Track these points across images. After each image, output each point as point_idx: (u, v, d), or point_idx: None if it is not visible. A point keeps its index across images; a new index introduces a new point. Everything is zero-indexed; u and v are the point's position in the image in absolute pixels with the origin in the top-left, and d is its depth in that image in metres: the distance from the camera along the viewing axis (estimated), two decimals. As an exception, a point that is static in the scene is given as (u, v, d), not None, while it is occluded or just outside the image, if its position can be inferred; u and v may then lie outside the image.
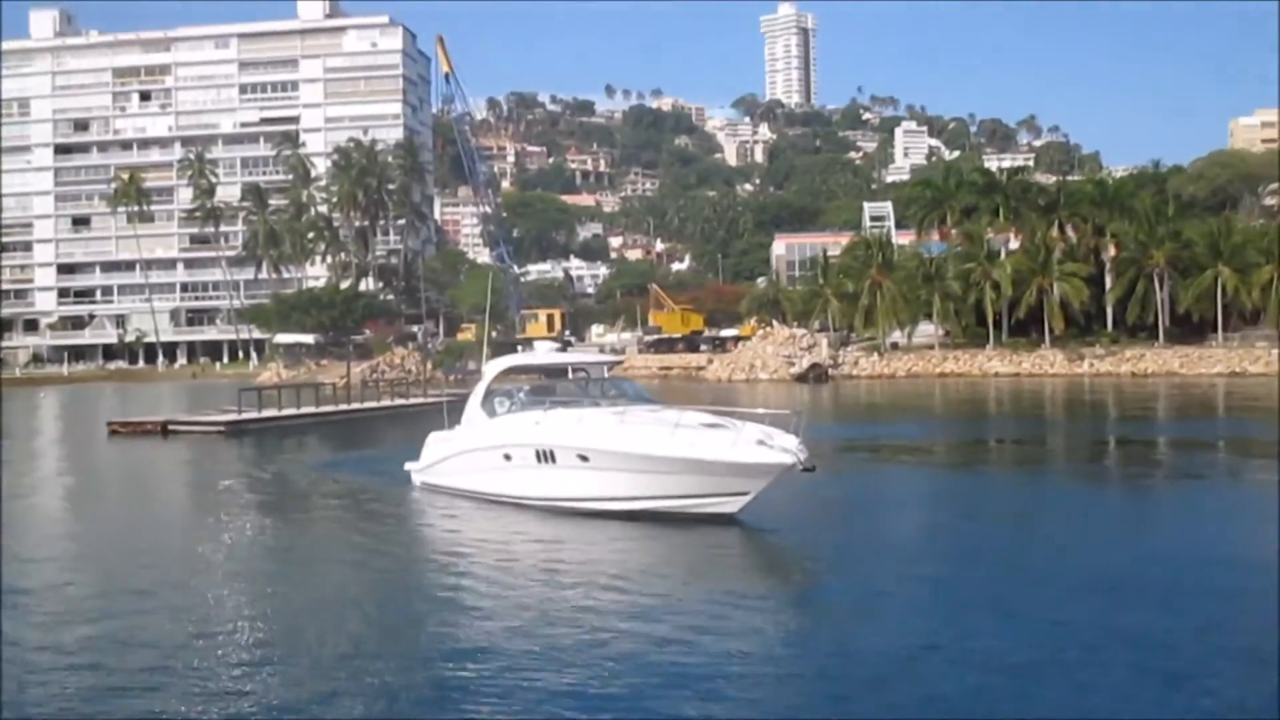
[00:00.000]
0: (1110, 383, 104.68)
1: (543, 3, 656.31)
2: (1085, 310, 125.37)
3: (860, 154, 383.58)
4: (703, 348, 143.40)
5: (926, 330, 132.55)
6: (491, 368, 36.86)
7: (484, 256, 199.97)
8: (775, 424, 28.24)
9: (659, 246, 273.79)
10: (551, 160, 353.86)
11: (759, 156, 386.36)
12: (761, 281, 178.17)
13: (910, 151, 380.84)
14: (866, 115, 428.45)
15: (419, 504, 34.28)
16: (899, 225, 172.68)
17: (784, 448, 26.58)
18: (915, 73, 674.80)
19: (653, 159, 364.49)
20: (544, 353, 37.59)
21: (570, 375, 36.35)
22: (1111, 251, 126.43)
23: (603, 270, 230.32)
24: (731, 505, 27.76)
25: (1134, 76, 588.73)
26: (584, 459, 29.50)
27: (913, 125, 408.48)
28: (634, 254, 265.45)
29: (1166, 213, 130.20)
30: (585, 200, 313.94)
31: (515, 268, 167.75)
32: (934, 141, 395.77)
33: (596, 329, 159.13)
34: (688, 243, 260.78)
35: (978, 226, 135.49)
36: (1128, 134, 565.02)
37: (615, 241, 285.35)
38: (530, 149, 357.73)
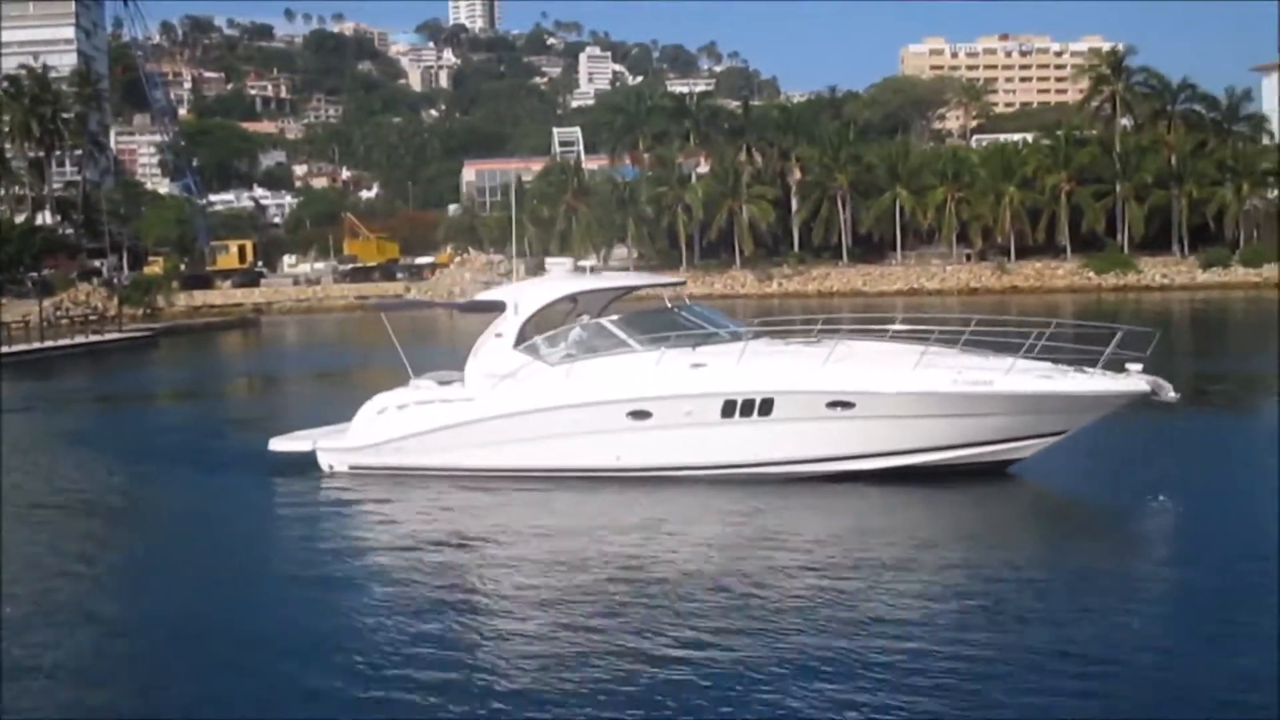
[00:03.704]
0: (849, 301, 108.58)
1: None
2: (773, 232, 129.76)
3: (545, 79, 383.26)
4: (399, 276, 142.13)
5: (621, 253, 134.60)
6: (529, 296, 26.93)
7: (164, 187, 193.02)
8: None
9: (345, 174, 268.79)
10: (230, 86, 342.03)
11: (444, 82, 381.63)
12: (454, 208, 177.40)
13: (595, 77, 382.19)
14: (551, 41, 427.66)
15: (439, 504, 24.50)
16: (589, 150, 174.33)
17: (1126, 374, 22.59)
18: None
19: (336, 85, 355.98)
20: (575, 275, 28.78)
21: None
22: (797, 175, 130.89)
23: (289, 199, 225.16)
24: (1027, 451, 23.87)
25: (809, 4, 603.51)
26: (843, 405, 23.19)
27: (597, 51, 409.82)
28: (320, 182, 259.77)
29: (847, 137, 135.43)
30: (267, 127, 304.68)
31: (200, 198, 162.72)
32: (618, 67, 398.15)
33: (289, 259, 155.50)
34: (375, 170, 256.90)
35: (669, 151, 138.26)
36: (803, 60, 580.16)
37: (300, 170, 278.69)
38: (208, 75, 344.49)
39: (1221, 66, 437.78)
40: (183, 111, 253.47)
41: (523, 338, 25.87)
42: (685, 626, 15.36)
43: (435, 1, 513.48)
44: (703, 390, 23.90)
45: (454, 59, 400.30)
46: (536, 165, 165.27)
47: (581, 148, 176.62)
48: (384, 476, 26.33)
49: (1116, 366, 22.85)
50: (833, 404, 23.25)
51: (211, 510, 25.64)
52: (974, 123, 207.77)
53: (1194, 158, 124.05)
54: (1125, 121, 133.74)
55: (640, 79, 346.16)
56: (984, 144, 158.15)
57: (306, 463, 27.74)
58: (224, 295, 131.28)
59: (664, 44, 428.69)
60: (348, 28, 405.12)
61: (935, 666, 13.64)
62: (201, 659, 15.20)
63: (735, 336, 25.61)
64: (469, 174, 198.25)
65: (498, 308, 26.95)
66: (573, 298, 27.49)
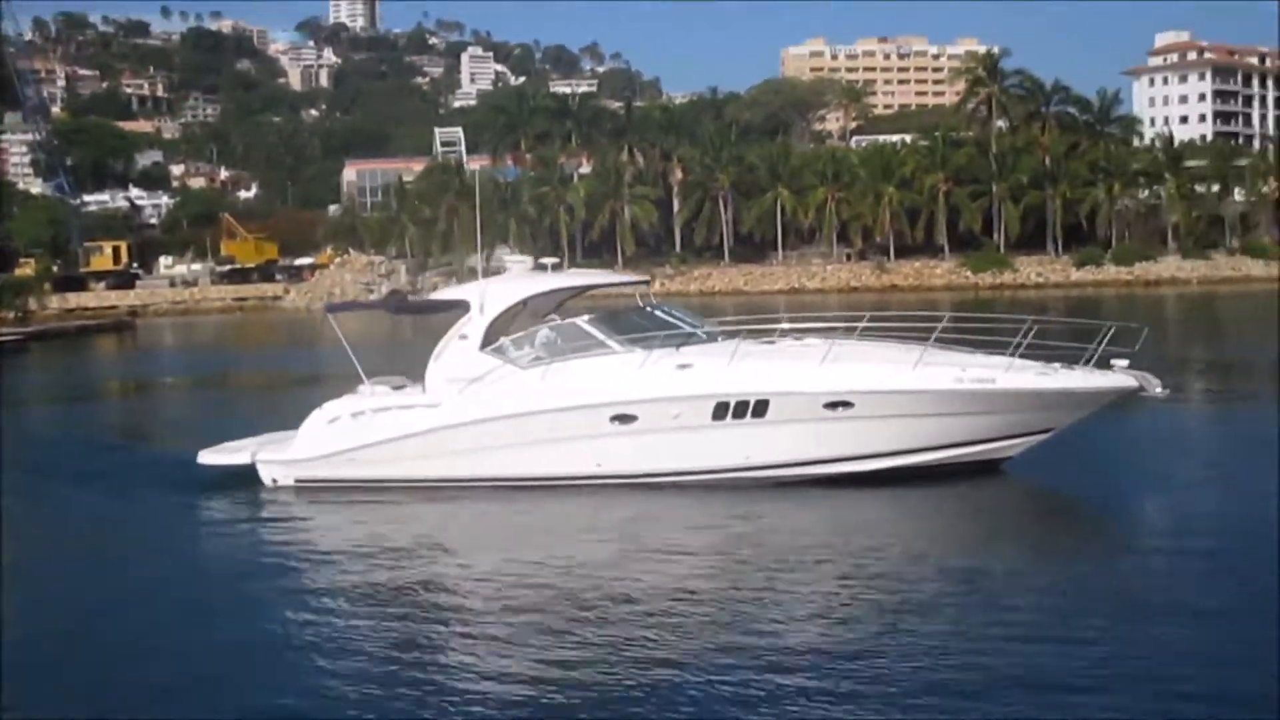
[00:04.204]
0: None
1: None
2: (655, 232, 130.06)
3: (427, 79, 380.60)
4: (278, 277, 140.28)
5: (504, 253, 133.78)
6: (495, 295, 24.81)
7: (36, 187, 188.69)
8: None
9: (223, 174, 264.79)
10: (105, 84, 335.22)
11: (324, 81, 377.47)
12: (335, 208, 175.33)
13: (477, 77, 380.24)
14: (432, 40, 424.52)
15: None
16: (471, 150, 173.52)
17: (1114, 370, 22.41)
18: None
19: (213, 83, 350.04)
20: (540, 273, 26.32)
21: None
22: (679, 175, 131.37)
23: (165, 199, 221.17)
24: (1016, 449, 23.52)
25: (690, 5, 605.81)
26: (842, 406, 22.43)
27: (479, 51, 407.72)
28: (197, 182, 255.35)
29: (729, 138, 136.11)
30: (143, 126, 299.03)
31: (74, 198, 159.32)
32: (500, 67, 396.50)
33: (165, 260, 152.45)
34: (254, 170, 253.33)
35: (551, 151, 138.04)
36: (685, 61, 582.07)
37: (177, 169, 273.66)
38: (82, 72, 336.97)
39: (1093, 69, 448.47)
40: (56, 109, 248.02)
41: (489, 339, 24.24)
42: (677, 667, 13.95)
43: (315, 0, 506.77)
44: (694, 392, 22.86)
45: (334, 58, 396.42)
46: (418, 165, 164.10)
47: (464, 148, 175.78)
48: (336, 489, 24.50)
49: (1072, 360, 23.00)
50: (831, 404, 22.50)
51: (144, 538, 22.34)
52: (853, 124, 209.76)
53: (1067, 159, 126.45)
54: (1001, 123, 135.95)
55: (523, 79, 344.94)
56: (863, 145, 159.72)
57: (242, 477, 25.33)
58: (98, 298, 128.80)
59: (546, 44, 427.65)
60: (226, 25, 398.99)
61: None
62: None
63: (713, 336, 24.75)
64: (350, 174, 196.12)
65: (460, 308, 25.02)
66: (532, 298, 25.68)
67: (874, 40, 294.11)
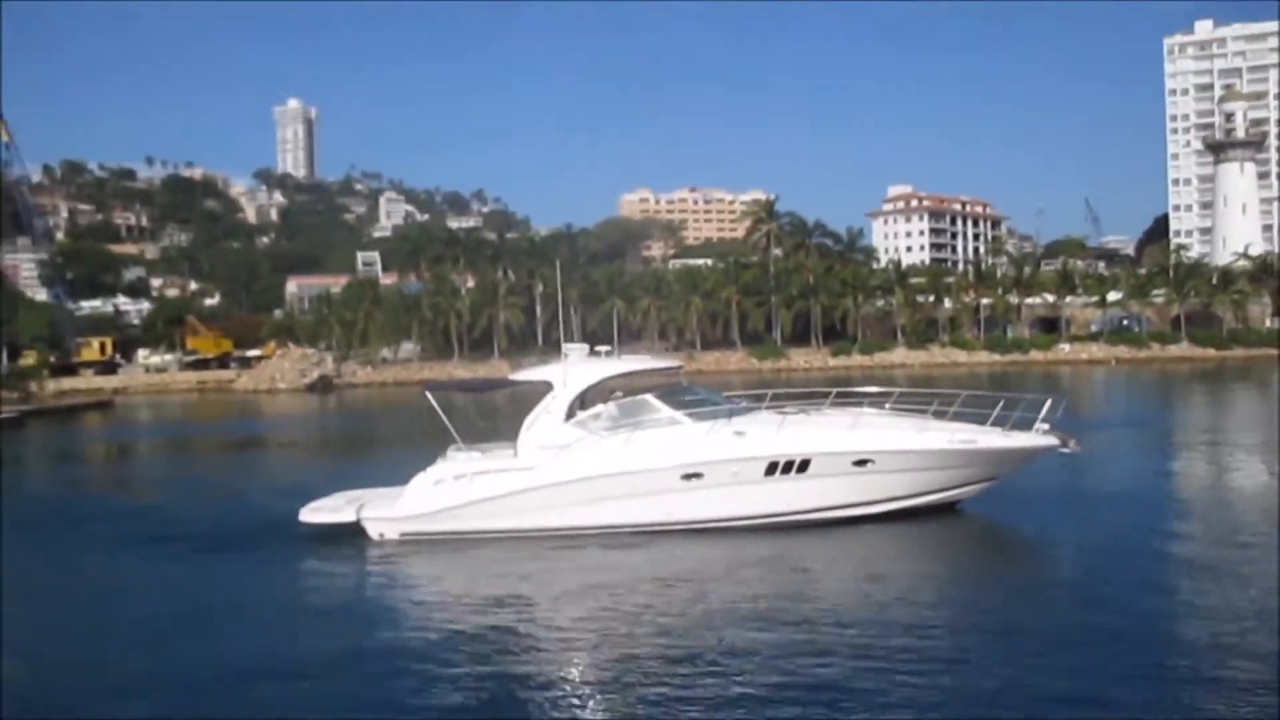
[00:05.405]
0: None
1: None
2: (523, 331, 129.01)
3: (353, 215, 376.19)
4: (232, 365, 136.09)
5: (408, 347, 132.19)
6: (575, 377, 23.23)
7: (41, 294, 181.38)
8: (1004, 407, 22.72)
9: (193, 286, 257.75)
10: (100, 216, 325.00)
11: (273, 216, 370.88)
12: (278, 313, 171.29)
13: (391, 214, 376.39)
14: (358, 186, 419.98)
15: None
16: (385, 269, 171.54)
17: (1040, 433, 22.31)
18: (394, 154, 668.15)
19: (187, 216, 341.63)
20: (607, 359, 24.62)
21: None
22: (541, 289, 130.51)
23: (146, 305, 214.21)
24: (972, 493, 23.16)
25: (552, 157, 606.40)
26: (864, 464, 22.02)
27: (393, 194, 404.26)
28: (173, 292, 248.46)
29: (579, 261, 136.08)
30: (130, 249, 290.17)
31: (69, 303, 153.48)
32: (409, 207, 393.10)
33: (143, 352, 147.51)
34: (218, 283, 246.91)
35: (444, 270, 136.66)
36: (548, 203, 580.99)
37: (156, 282, 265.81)
38: (81, 207, 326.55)
39: (843, 211, 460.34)
40: (60, 235, 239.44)
41: (571, 413, 22.83)
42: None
43: (266, 154, 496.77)
44: (751, 454, 21.97)
45: (281, 198, 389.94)
46: (344, 280, 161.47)
47: (379, 267, 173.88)
48: (439, 541, 22.32)
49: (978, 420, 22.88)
50: (858, 462, 22.04)
51: (285, 593, 19.32)
52: (671, 251, 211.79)
53: (825, 277, 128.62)
54: (777, 251, 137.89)
55: (426, 216, 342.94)
56: (678, 266, 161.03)
57: (344, 532, 22.66)
58: (87, 381, 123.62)
59: (445, 189, 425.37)
60: (196, 173, 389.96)
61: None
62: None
63: (746, 409, 23.69)
64: (292, 286, 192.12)
65: (544, 388, 23.32)
66: (605, 380, 23.97)
67: (687, 190, 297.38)
